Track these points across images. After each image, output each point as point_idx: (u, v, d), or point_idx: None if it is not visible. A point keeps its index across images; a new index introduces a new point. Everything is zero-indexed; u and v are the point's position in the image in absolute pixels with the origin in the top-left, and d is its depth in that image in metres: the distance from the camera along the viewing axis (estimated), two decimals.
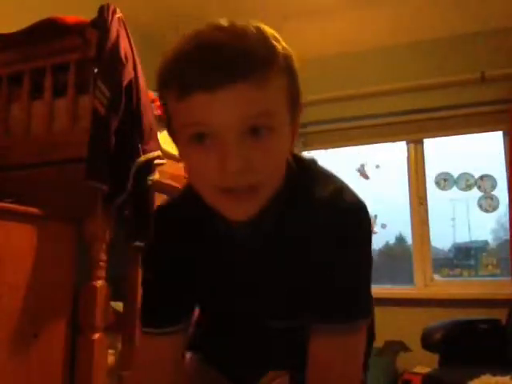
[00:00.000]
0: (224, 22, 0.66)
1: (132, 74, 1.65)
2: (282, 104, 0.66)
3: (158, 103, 1.97)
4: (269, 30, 0.68)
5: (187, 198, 0.78)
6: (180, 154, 0.72)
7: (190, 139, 0.65)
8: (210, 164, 0.64)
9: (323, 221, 0.71)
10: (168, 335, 0.81)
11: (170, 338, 0.81)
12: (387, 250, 3.83)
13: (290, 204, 0.72)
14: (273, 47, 0.66)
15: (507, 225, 3.14)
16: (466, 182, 3.47)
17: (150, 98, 1.77)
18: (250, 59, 0.61)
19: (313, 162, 0.79)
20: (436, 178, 3.53)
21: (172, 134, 0.72)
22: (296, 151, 2.95)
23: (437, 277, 3.45)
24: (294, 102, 0.69)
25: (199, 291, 0.83)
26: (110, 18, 1.64)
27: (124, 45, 1.65)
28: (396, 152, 3.70)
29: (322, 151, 3.88)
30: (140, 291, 1.75)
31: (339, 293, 0.72)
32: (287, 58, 0.68)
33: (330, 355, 0.71)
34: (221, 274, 0.79)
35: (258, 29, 0.66)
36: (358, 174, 3.75)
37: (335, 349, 0.71)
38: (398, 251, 3.83)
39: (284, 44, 0.69)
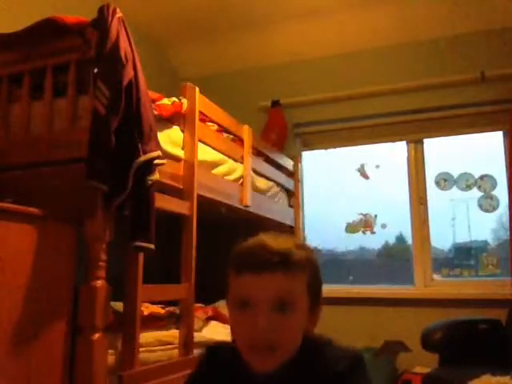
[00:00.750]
0: (273, 235, 0.97)
1: (132, 74, 1.65)
2: (303, 292, 0.93)
3: (158, 103, 1.97)
4: (305, 245, 1.01)
5: (230, 346, 1.02)
6: (229, 314, 0.98)
7: (237, 305, 0.93)
8: (245, 324, 0.91)
9: (329, 369, 0.93)
10: None
11: None
12: (387, 250, 3.83)
13: (301, 361, 0.94)
14: (299, 255, 0.94)
15: (507, 225, 3.14)
16: (465, 181, 3.47)
17: (149, 98, 1.77)
18: (280, 259, 0.91)
19: (313, 335, 1.00)
20: (436, 178, 3.53)
21: (227, 299, 0.98)
22: (296, 151, 2.97)
23: (437, 277, 3.45)
24: (314, 294, 0.96)
25: None
26: (110, 18, 1.64)
27: (124, 45, 1.65)
28: (396, 152, 3.70)
29: (322, 151, 3.88)
30: (140, 290, 1.75)
31: None
32: (310, 261, 0.96)
33: None
34: None
35: (296, 242, 0.99)
36: (358, 173, 3.75)
37: None
38: (398, 251, 3.83)
39: (311, 252, 1.00)
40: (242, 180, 2.64)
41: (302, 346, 0.95)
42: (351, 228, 3.70)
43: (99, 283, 1.58)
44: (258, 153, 2.98)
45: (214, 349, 1.09)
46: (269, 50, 3.78)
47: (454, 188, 3.49)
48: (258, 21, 3.56)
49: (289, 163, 3.51)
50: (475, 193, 3.44)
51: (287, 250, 0.93)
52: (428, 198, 3.50)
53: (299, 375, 0.94)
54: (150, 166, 1.66)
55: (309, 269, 0.95)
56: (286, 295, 0.91)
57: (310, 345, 0.97)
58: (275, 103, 3.74)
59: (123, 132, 1.60)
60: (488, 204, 3.40)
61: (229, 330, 2.85)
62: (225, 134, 2.59)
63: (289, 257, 0.92)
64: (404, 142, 3.64)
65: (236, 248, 0.98)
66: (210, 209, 2.37)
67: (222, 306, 2.64)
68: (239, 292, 0.93)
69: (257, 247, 0.94)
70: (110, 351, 1.67)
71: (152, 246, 1.67)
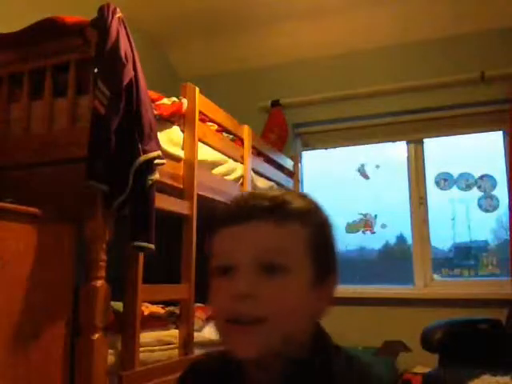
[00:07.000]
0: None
1: (132, 74, 1.65)
2: (302, 252, 0.71)
3: (157, 103, 1.97)
4: (310, 196, 0.77)
5: (217, 355, 0.81)
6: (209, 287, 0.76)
7: (214, 271, 0.72)
8: (223, 294, 0.70)
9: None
10: None
11: None
12: (387, 249, 3.83)
13: (305, 365, 0.72)
14: (299, 204, 0.73)
15: (507, 225, 3.14)
16: (465, 182, 3.47)
17: (149, 98, 1.77)
18: (271, 203, 0.71)
19: (329, 337, 0.78)
20: (436, 178, 3.53)
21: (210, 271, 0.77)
22: (296, 151, 2.96)
23: (437, 277, 3.46)
24: (321, 259, 0.72)
25: None
26: (110, 18, 1.64)
27: (124, 45, 1.65)
28: (396, 152, 3.70)
29: (322, 151, 3.88)
30: (140, 290, 1.75)
31: None
32: (313, 214, 0.75)
33: None
34: None
35: (298, 193, 0.79)
36: (358, 173, 3.75)
37: None
38: (398, 251, 3.83)
39: (317, 204, 0.76)
40: (241, 180, 2.64)
41: (314, 344, 0.72)
42: (351, 228, 3.71)
43: (99, 283, 1.58)
44: (257, 153, 2.98)
45: (197, 364, 0.86)
46: (269, 50, 3.78)
47: (454, 188, 3.49)
48: (258, 21, 3.56)
49: (289, 163, 3.50)
50: (475, 193, 3.44)
51: (281, 195, 0.73)
52: (428, 198, 3.50)
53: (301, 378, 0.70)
54: (150, 166, 1.66)
55: (311, 223, 0.73)
56: (276, 253, 0.69)
57: (322, 347, 0.74)
58: (275, 103, 3.74)
59: (123, 132, 1.60)
60: (488, 204, 3.40)
61: None
62: (225, 134, 2.59)
63: (283, 203, 0.71)
64: (404, 142, 3.64)
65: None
66: (210, 209, 2.37)
67: None
68: (216, 253, 0.73)
69: (243, 196, 0.75)
70: (110, 351, 1.67)
71: (152, 246, 1.67)
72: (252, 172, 2.77)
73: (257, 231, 0.70)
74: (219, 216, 0.74)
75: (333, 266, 0.75)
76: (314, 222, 0.73)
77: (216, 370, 0.79)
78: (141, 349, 1.79)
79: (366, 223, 3.67)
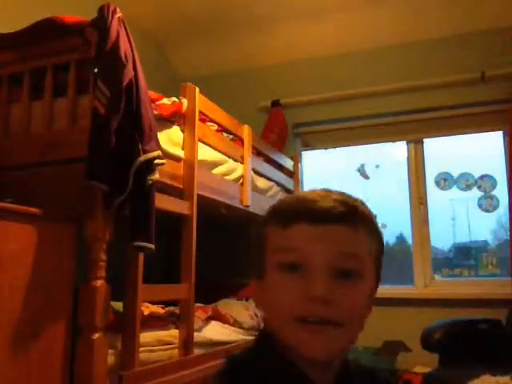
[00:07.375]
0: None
1: (132, 74, 1.65)
2: (369, 258, 0.73)
3: (157, 103, 1.97)
4: (353, 196, 0.77)
5: (258, 355, 0.75)
6: (266, 279, 0.73)
7: (282, 267, 0.70)
8: (293, 292, 0.68)
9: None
10: None
11: None
12: (387, 250, 3.80)
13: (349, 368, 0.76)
14: (366, 210, 0.75)
15: (507, 225, 3.14)
16: (465, 182, 3.47)
17: (149, 98, 1.77)
18: (346, 208, 0.71)
19: None
20: (436, 178, 3.53)
21: (261, 257, 0.74)
22: (296, 151, 2.97)
23: (437, 277, 3.46)
24: (378, 266, 0.75)
25: None
26: (109, 18, 1.64)
27: (124, 45, 1.65)
28: (396, 152, 3.70)
29: (322, 151, 3.88)
30: (140, 290, 1.75)
31: None
32: (375, 221, 0.76)
33: None
34: None
35: (346, 194, 0.76)
36: (358, 173, 3.75)
37: None
38: (398, 251, 3.82)
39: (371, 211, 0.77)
40: (241, 180, 2.64)
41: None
42: None
43: (99, 283, 1.58)
44: (258, 153, 2.98)
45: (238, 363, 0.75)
46: (269, 50, 3.78)
47: (454, 188, 3.50)
48: (258, 21, 3.56)
49: (289, 163, 3.50)
50: (475, 193, 3.44)
51: (353, 200, 0.74)
52: (428, 198, 3.50)
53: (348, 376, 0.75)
54: (150, 166, 1.66)
55: (376, 230, 0.75)
56: (351, 258, 0.70)
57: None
58: (275, 103, 3.74)
59: (123, 132, 1.60)
60: (488, 204, 3.40)
61: (229, 331, 2.84)
62: (225, 134, 2.59)
63: (357, 208, 0.72)
64: (404, 142, 3.64)
65: (277, 202, 0.77)
66: (210, 209, 2.37)
67: (221, 306, 2.64)
68: (288, 248, 0.70)
69: (313, 195, 0.74)
70: (110, 351, 1.67)
71: (152, 246, 1.67)
72: (252, 172, 2.77)
73: (334, 235, 0.70)
74: (290, 209, 0.73)
75: (380, 277, 0.77)
76: (378, 229, 0.76)
77: (259, 370, 0.73)
78: (141, 349, 1.79)
79: None
